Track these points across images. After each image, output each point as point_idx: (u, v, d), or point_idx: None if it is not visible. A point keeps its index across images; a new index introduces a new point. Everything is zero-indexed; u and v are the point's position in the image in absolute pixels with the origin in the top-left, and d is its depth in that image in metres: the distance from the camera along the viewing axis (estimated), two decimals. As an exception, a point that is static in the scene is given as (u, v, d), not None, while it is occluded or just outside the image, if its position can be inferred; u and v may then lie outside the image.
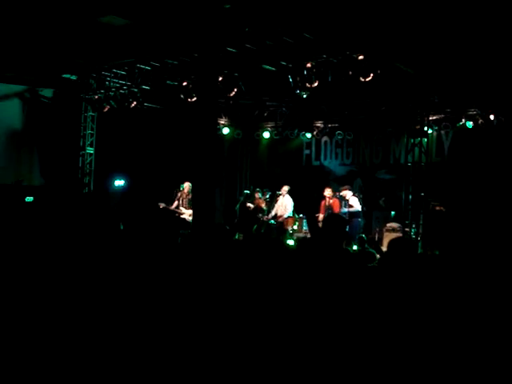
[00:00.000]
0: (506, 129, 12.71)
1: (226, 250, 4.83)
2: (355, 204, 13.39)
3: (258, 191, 15.32)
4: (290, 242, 12.18)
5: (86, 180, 15.33)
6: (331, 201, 13.59)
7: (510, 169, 12.26)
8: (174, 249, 5.75)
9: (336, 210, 13.21)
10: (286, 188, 14.52)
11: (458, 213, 12.69)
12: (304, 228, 15.07)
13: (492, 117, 13.07)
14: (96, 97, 14.47)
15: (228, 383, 3.42)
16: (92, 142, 15.44)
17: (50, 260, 4.94)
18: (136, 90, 13.76)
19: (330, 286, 3.92)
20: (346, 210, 13.22)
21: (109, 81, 14.22)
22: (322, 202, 13.87)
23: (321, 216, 13.36)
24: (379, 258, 9.12)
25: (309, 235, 13.85)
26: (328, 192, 13.70)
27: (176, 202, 14.25)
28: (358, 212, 13.47)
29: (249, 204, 15.25)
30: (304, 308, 3.76)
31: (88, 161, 15.43)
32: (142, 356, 3.59)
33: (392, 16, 9.20)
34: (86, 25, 10.63)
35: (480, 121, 13.37)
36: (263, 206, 15.04)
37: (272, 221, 14.55)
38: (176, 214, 13.98)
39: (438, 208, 13.03)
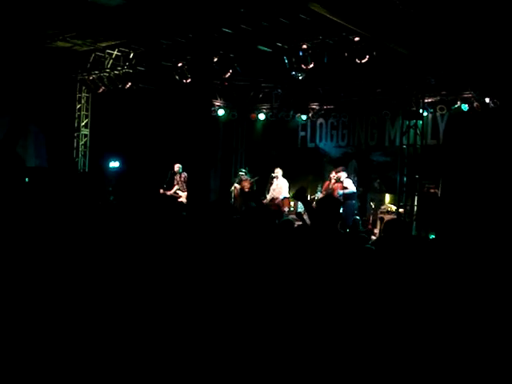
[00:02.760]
0: (502, 112, 12.70)
1: (223, 228, 4.84)
2: (350, 186, 13.41)
3: (245, 173, 15.34)
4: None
5: (81, 161, 15.31)
6: (336, 184, 13.60)
7: (505, 151, 12.28)
8: (171, 232, 5.75)
9: (335, 193, 13.25)
10: (278, 170, 14.56)
11: (453, 195, 12.73)
12: (299, 209, 15.11)
13: (487, 99, 13.05)
14: (90, 77, 14.40)
15: (225, 368, 3.45)
16: (87, 123, 15.39)
17: (48, 243, 4.93)
18: (131, 70, 13.69)
19: (325, 268, 3.93)
20: (341, 192, 13.25)
21: (103, 61, 14.15)
22: (326, 183, 13.91)
23: (320, 196, 13.43)
24: (374, 240, 9.17)
25: (305, 216, 13.94)
26: (334, 175, 13.71)
27: (175, 186, 14.30)
28: (353, 194, 13.50)
29: (236, 185, 15.32)
30: (300, 292, 3.78)
31: (83, 142, 15.39)
32: (140, 343, 3.60)
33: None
34: (81, 5, 10.53)
35: (475, 103, 13.35)
36: (247, 188, 15.05)
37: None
38: (176, 198, 14.05)
39: (432, 190, 13.08)
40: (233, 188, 15.51)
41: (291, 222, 6.19)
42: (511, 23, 9.75)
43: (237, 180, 15.51)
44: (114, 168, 15.19)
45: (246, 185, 15.14)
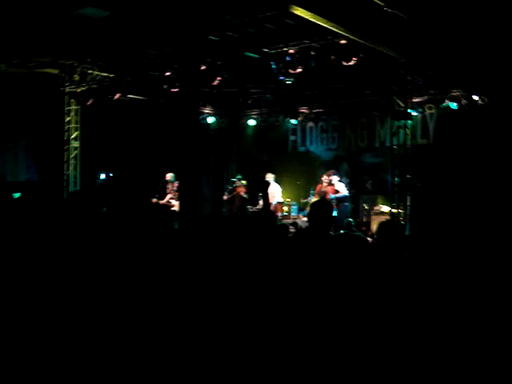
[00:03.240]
0: (490, 109, 12.76)
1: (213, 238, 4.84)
2: (342, 189, 13.47)
3: (239, 179, 15.35)
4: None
5: (72, 174, 15.25)
6: (328, 187, 13.63)
7: (495, 148, 12.33)
8: (165, 242, 5.74)
9: (328, 196, 13.27)
10: (270, 175, 14.62)
11: (445, 193, 12.76)
12: (293, 214, 15.13)
13: (476, 97, 13.11)
14: (79, 90, 14.36)
15: (224, 369, 3.44)
16: (77, 135, 15.34)
17: (42, 257, 4.91)
18: (119, 81, 13.68)
19: (320, 272, 3.93)
20: (333, 196, 13.28)
21: (91, 73, 14.13)
22: (318, 186, 13.94)
23: (313, 200, 13.45)
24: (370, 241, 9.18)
25: (298, 221, 13.99)
26: (325, 178, 13.76)
27: (168, 195, 14.29)
28: (345, 197, 13.55)
29: (228, 193, 15.33)
30: (297, 294, 3.77)
31: (73, 155, 15.33)
32: (136, 346, 3.59)
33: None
34: (66, 18, 10.52)
35: (464, 101, 13.40)
36: (243, 194, 15.07)
37: None
38: (169, 208, 14.03)
39: (424, 190, 13.11)
40: (227, 195, 15.50)
41: (287, 226, 6.19)
42: (496, 21, 9.81)
43: (231, 186, 15.49)
44: (105, 179, 15.16)
45: (242, 190, 15.15)
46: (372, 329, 3.48)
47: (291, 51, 11.40)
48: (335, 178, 13.64)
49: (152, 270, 4.39)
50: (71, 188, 14.99)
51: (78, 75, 14.28)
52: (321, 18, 9.04)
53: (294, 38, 11.22)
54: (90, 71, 14.12)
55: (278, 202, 14.63)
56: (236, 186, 15.24)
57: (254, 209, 14.89)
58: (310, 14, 8.95)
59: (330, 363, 3.38)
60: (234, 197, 15.18)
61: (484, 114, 12.86)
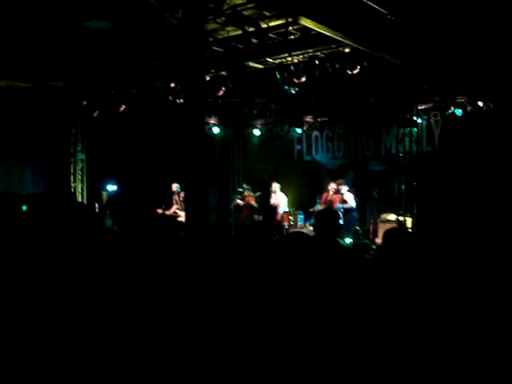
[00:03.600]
0: (495, 115, 12.74)
1: (223, 248, 4.84)
2: (350, 200, 13.43)
3: (248, 188, 15.36)
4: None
5: (79, 186, 15.31)
6: (334, 196, 13.62)
7: (501, 154, 12.30)
8: (171, 252, 5.74)
9: (335, 205, 13.25)
10: (276, 185, 14.63)
11: (452, 200, 12.72)
12: (299, 223, 15.11)
13: (481, 103, 13.09)
14: (84, 102, 14.43)
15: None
16: (83, 147, 15.41)
17: (48, 268, 4.92)
18: (124, 93, 13.74)
19: (325, 280, 3.92)
20: (340, 206, 13.25)
21: (96, 86, 14.19)
22: (324, 195, 13.93)
23: (319, 208, 13.44)
24: (375, 249, 9.16)
25: (305, 230, 13.96)
26: (332, 186, 13.74)
27: (174, 206, 14.31)
28: (352, 209, 13.51)
29: (238, 201, 15.30)
30: (301, 303, 3.76)
31: (80, 167, 15.40)
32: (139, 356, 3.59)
33: (376, 5, 9.20)
34: (70, 30, 10.59)
35: (469, 108, 13.39)
36: (253, 202, 15.08)
37: None
38: (176, 218, 14.05)
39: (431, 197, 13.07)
40: (235, 204, 15.49)
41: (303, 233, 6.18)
42: (500, 27, 9.81)
43: (239, 196, 15.48)
44: (112, 191, 15.20)
45: (251, 199, 15.16)
46: (374, 337, 3.47)
47: (295, 61, 11.43)
48: (345, 188, 13.61)
49: (157, 280, 4.39)
50: (79, 200, 15.06)
51: (83, 88, 14.34)
52: (326, 28, 9.07)
53: (297, 47, 11.25)
54: (95, 83, 14.17)
55: (285, 212, 14.62)
56: (245, 195, 15.25)
57: (261, 218, 14.87)
58: (315, 24, 9.00)
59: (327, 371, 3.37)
60: (243, 206, 15.18)
61: (489, 119, 12.84)
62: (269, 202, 14.15)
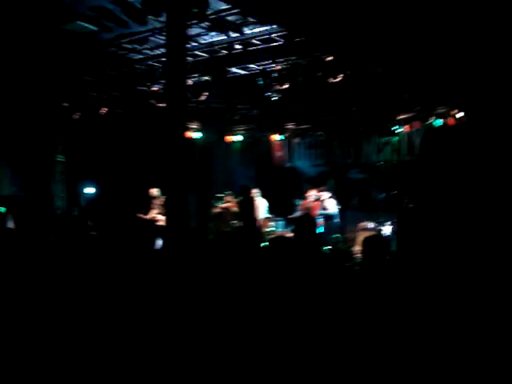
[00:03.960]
0: (475, 125, 12.85)
1: (200, 252, 4.82)
2: (331, 206, 13.45)
3: (229, 194, 15.34)
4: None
5: (58, 188, 15.16)
6: (314, 203, 13.64)
7: (480, 164, 12.41)
8: (149, 257, 5.71)
9: (314, 212, 13.27)
10: (256, 191, 14.64)
11: (430, 210, 12.81)
12: (279, 229, 15.11)
13: (461, 114, 13.21)
14: (66, 104, 14.31)
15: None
16: (63, 149, 15.27)
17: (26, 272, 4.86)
18: (105, 96, 13.66)
19: (303, 286, 3.92)
20: (321, 212, 13.27)
21: (78, 87, 14.08)
22: (304, 202, 13.95)
23: (298, 215, 13.49)
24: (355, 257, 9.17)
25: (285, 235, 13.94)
26: (312, 193, 13.76)
27: (154, 210, 14.23)
28: (334, 214, 13.54)
29: (219, 207, 15.29)
30: (280, 306, 3.76)
31: (59, 169, 15.26)
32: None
33: (360, 16, 9.25)
34: (54, 32, 10.52)
35: (449, 118, 13.51)
36: (234, 208, 15.06)
37: None
38: (154, 223, 13.95)
39: (410, 205, 13.15)
40: (215, 209, 15.46)
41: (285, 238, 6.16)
42: (479, 39, 9.92)
43: (221, 201, 15.46)
44: (90, 194, 15.10)
45: (232, 205, 15.15)
46: (351, 340, 3.48)
47: (278, 67, 11.46)
48: (326, 195, 13.64)
49: (135, 284, 4.36)
50: (58, 202, 14.91)
51: (65, 89, 14.21)
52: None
53: (281, 54, 11.28)
54: (77, 85, 14.05)
55: (265, 217, 14.61)
56: (226, 201, 15.24)
57: (242, 224, 14.84)
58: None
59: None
60: (224, 212, 15.16)
61: (468, 130, 12.95)
62: (252, 207, 14.14)
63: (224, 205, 15.32)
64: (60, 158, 15.26)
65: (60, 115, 14.73)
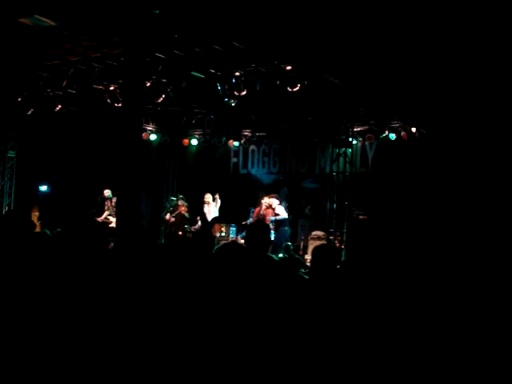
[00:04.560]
0: (427, 141, 13.14)
1: (149, 254, 4.79)
2: (281, 212, 13.54)
3: (182, 198, 15.30)
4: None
5: (7, 184, 14.86)
6: (267, 210, 13.68)
7: (430, 180, 12.68)
8: (101, 259, 5.63)
9: (267, 219, 13.32)
10: (209, 196, 14.64)
11: (380, 221, 13.02)
12: (231, 235, 15.11)
13: (414, 129, 13.50)
14: (19, 99, 14.03)
15: None
16: (14, 145, 14.98)
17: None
18: (60, 93, 13.44)
19: (254, 293, 3.93)
20: (273, 218, 13.35)
21: (33, 83, 13.82)
22: (257, 209, 13.98)
23: (251, 221, 13.52)
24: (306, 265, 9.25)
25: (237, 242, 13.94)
26: (265, 201, 13.79)
27: (106, 212, 14.07)
28: (285, 220, 13.62)
29: (170, 210, 15.25)
30: (227, 315, 3.76)
31: (9, 165, 14.96)
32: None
33: (320, 28, 9.36)
34: (9, 26, 10.30)
35: (402, 133, 13.79)
36: (185, 213, 15.03)
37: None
38: (107, 224, 13.82)
39: (361, 217, 13.34)
40: (167, 213, 15.39)
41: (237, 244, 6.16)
42: (435, 58, 10.15)
43: (171, 205, 15.40)
44: (42, 191, 14.85)
45: (184, 209, 15.10)
46: (299, 348, 3.51)
47: (237, 73, 11.49)
48: (275, 202, 13.71)
49: (86, 286, 4.30)
50: (5, 199, 14.60)
51: (19, 84, 13.93)
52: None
53: (240, 60, 11.31)
54: (31, 81, 13.80)
55: (216, 223, 14.60)
56: (178, 205, 15.17)
57: (192, 228, 14.83)
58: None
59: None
60: (176, 215, 15.09)
61: (421, 145, 13.24)
62: (203, 213, 14.16)
63: (175, 208, 15.27)
64: (11, 154, 14.96)
65: (13, 110, 14.44)
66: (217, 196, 14.84)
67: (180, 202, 15.23)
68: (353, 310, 3.78)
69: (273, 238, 12.39)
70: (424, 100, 11.94)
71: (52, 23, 10.05)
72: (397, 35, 9.63)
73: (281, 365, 3.44)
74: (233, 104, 12.30)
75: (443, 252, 9.28)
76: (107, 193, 14.29)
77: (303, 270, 6.14)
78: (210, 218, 14.45)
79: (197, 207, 14.97)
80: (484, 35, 9.17)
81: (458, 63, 10.16)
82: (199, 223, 14.60)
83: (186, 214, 15.02)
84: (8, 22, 10.14)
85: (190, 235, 14.52)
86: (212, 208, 14.62)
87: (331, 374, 3.39)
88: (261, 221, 11.81)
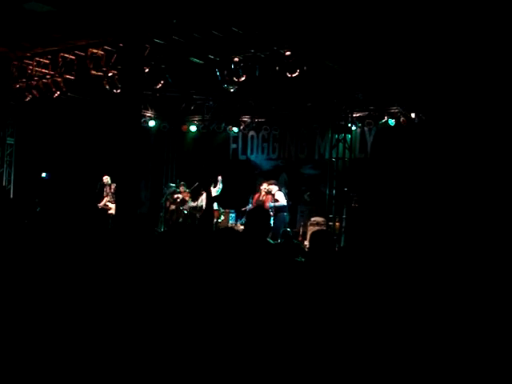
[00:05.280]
0: (427, 127, 13.14)
1: (148, 241, 4.80)
2: (281, 198, 13.56)
3: (183, 184, 15.33)
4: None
5: (6, 172, 14.85)
6: (266, 196, 13.69)
7: (430, 165, 12.69)
8: (100, 245, 5.65)
9: (266, 205, 13.34)
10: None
11: (379, 207, 13.04)
12: (230, 221, 15.14)
13: (413, 115, 13.49)
14: (17, 85, 13.98)
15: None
16: (12, 132, 14.96)
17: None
18: (59, 79, 13.39)
19: (253, 278, 3.95)
20: (272, 204, 13.37)
21: (31, 69, 13.76)
22: (257, 195, 14.00)
23: (250, 207, 13.54)
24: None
25: (236, 229, 13.98)
26: (264, 187, 13.80)
27: (105, 198, 14.08)
28: (284, 206, 13.65)
29: (177, 195, 15.29)
30: (227, 302, 3.78)
31: (8, 151, 14.95)
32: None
33: (319, 13, 9.33)
34: (8, 11, 10.26)
35: (402, 118, 13.78)
36: (187, 198, 15.08)
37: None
38: (106, 211, 13.85)
39: (353, 205, 13.30)
40: (167, 200, 15.42)
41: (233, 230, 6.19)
42: (434, 43, 10.13)
43: (170, 191, 15.43)
44: (42, 178, 14.85)
45: (186, 195, 15.16)
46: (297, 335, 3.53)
47: (236, 59, 11.45)
48: (274, 188, 13.73)
49: (84, 273, 4.32)
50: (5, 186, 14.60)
51: (17, 71, 13.88)
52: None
53: (240, 46, 11.26)
54: (29, 67, 13.74)
55: (214, 209, 14.62)
56: (180, 192, 15.23)
57: (193, 204, 14.87)
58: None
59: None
60: (177, 201, 15.15)
61: (420, 131, 13.24)
62: (211, 199, 14.19)
63: (177, 195, 15.31)
64: (9, 141, 14.95)
65: (11, 96, 14.39)
66: (219, 178, 14.77)
67: (181, 189, 15.26)
68: (349, 295, 3.80)
69: (271, 224, 12.41)
70: (423, 85, 11.92)
71: (51, 8, 10.01)
72: (396, 20, 9.60)
73: (277, 349, 3.46)
74: (232, 90, 12.25)
75: (441, 236, 9.32)
76: (106, 179, 14.29)
77: (301, 257, 6.16)
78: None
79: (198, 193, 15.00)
80: (483, 20, 9.14)
81: (456, 49, 10.14)
82: (196, 205, 14.69)
83: (189, 200, 15.05)
84: (9, 7, 10.11)
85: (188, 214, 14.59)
86: (213, 193, 14.63)
87: (328, 360, 3.42)
88: (260, 207, 11.83)
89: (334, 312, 3.68)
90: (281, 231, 12.77)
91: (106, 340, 3.60)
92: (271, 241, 5.82)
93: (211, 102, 16.56)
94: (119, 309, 3.84)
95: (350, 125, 12.95)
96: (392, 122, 14.03)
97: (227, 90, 12.24)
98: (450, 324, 3.56)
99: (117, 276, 4.23)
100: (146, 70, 11.76)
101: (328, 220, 12.95)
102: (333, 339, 3.52)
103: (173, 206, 15.26)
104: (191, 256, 4.42)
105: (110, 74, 12.77)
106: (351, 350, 3.45)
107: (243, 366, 3.37)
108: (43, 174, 14.84)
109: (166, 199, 15.46)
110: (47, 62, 13.47)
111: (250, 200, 14.38)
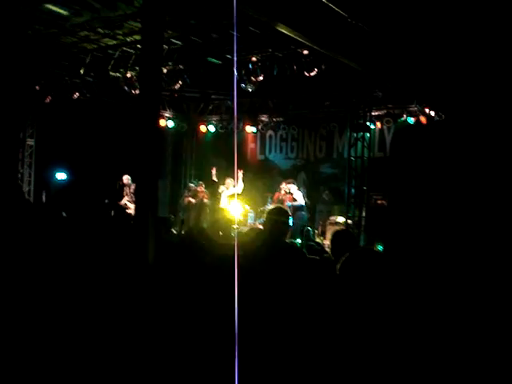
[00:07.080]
0: (446, 125, 13.03)
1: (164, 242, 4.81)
2: (299, 198, 13.55)
3: (202, 184, 15.33)
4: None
5: (27, 172, 14.96)
6: (286, 196, 13.68)
7: (449, 163, 12.58)
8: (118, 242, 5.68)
9: (285, 204, 13.32)
10: (229, 181, 14.61)
11: (399, 206, 12.95)
12: (249, 221, 15.12)
13: (432, 113, 13.38)
14: (37, 87, 14.09)
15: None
16: (32, 133, 15.07)
17: None
18: (78, 80, 13.47)
19: (275, 281, 3.93)
20: (290, 203, 13.34)
21: (51, 71, 13.87)
22: (276, 195, 13.99)
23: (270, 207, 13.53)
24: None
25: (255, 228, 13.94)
26: (284, 186, 13.80)
27: (125, 198, 14.14)
28: (302, 206, 13.62)
29: (190, 198, 15.27)
30: (251, 303, 3.76)
31: (28, 152, 15.06)
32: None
33: (336, 10, 9.28)
34: (27, 13, 10.34)
35: (421, 116, 13.68)
36: (206, 199, 15.06)
37: None
38: (125, 210, 13.87)
39: (379, 202, 13.27)
40: (185, 200, 15.41)
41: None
42: (453, 41, 10.05)
43: (189, 191, 15.43)
44: (61, 180, 14.92)
45: (205, 195, 15.15)
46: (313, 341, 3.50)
47: (254, 59, 11.44)
48: (293, 187, 13.72)
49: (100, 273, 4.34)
50: (25, 187, 14.71)
51: (38, 72, 13.97)
52: (285, 27, 9.06)
53: (257, 45, 11.26)
54: (49, 68, 13.83)
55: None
56: (198, 191, 15.21)
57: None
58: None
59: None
60: (195, 203, 15.14)
61: (439, 129, 13.13)
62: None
63: (195, 195, 15.29)
64: (30, 142, 15.06)
65: (31, 98, 14.51)
66: (240, 174, 14.62)
67: (200, 189, 15.25)
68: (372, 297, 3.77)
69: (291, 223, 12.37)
70: (443, 83, 11.82)
71: (65, 12, 10.09)
72: (415, 17, 9.53)
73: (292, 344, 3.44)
74: (250, 89, 12.24)
75: (462, 236, 9.23)
76: (127, 179, 14.31)
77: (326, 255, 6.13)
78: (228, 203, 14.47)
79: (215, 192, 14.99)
80: (507, 19, 9.05)
81: (476, 47, 10.05)
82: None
83: (207, 201, 15.04)
84: (25, 11, 10.18)
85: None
86: (230, 192, 14.60)
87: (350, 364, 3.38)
88: (280, 206, 11.81)
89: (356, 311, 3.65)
90: (300, 230, 12.76)
91: (124, 337, 3.61)
92: (294, 241, 5.78)
93: (229, 102, 16.57)
94: (140, 310, 3.85)
95: (368, 123, 12.87)
96: (411, 120, 13.94)
97: (245, 89, 12.24)
98: (475, 325, 3.51)
99: (140, 277, 4.24)
100: (164, 71, 11.80)
101: (347, 219, 12.90)
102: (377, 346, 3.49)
103: (193, 201, 15.21)
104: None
105: (128, 75, 12.84)
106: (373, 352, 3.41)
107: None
108: (60, 176, 14.88)
109: (184, 198, 15.44)
110: (66, 63, 13.51)
111: (270, 200, 14.36)
